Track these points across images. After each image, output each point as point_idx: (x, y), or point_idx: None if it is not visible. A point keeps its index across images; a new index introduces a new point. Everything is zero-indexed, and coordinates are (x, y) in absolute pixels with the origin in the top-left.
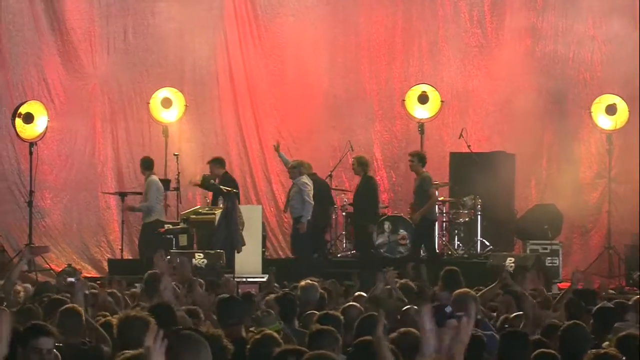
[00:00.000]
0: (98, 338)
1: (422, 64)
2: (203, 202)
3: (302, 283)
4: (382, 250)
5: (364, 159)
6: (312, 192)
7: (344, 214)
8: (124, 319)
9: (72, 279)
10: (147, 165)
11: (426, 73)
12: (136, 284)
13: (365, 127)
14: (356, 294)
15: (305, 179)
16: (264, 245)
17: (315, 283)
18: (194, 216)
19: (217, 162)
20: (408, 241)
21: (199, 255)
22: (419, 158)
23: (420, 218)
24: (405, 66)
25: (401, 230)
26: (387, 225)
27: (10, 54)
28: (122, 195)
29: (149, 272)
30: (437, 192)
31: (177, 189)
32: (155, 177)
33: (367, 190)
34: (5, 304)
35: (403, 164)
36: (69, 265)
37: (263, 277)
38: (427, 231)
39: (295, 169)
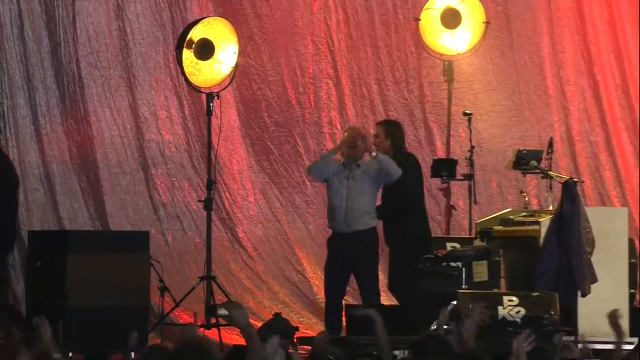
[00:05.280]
0: None
1: None
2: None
3: None
4: None
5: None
6: None
7: None
8: None
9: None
10: None
11: None
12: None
13: None
14: None
15: None
16: (633, 284)
17: None
18: (500, 227)
19: None
20: None
21: (511, 300)
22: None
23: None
24: None
25: None
26: None
27: None
28: None
29: (426, 333)
30: None
31: (469, 176)
32: None
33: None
34: None
35: None
36: (277, 315)
37: (631, 342)
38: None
39: None
